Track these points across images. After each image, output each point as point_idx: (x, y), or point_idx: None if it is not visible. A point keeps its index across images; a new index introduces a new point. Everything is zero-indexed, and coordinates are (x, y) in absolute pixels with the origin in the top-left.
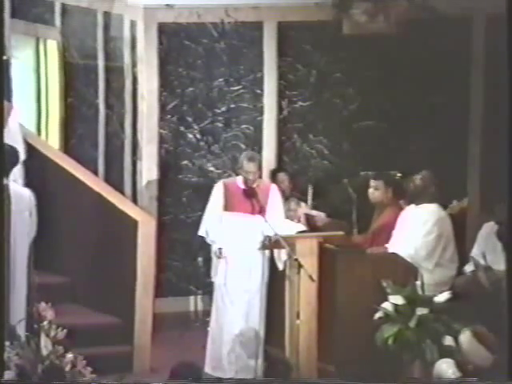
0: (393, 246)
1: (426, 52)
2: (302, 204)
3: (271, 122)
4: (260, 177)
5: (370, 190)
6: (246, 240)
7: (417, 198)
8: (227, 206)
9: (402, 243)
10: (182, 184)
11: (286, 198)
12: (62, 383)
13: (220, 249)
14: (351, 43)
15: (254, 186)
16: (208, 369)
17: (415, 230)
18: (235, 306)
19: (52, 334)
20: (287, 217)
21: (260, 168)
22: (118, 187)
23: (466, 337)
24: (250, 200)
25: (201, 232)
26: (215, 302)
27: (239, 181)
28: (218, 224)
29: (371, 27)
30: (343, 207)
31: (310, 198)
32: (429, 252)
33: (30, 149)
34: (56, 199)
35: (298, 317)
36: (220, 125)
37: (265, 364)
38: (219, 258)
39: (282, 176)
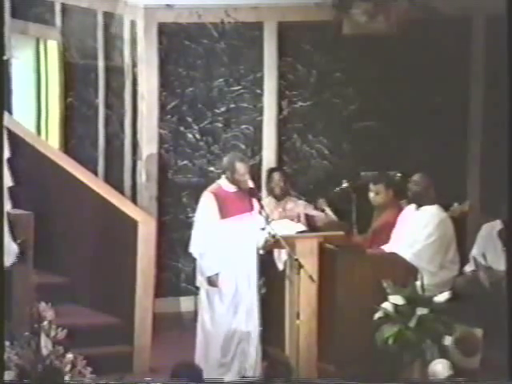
0: (393, 247)
1: (425, 52)
2: (300, 202)
3: (271, 122)
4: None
5: (371, 195)
6: (246, 240)
7: (417, 200)
8: (223, 214)
9: (404, 246)
10: (182, 184)
11: (281, 198)
12: (62, 383)
13: (217, 274)
14: (351, 43)
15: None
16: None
17: (416, 234)
18: (235, 307)
19: (52, 333)
20: (285, 216)
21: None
22: (118, 187)
23: (449, 339)
24: (247, 200)
25: (192, 250)
26: (210, 305)
27: (224, 184)
28: (215, 242)
29: (371, 27)
30: (343, 207)
31: (327, 210)
32: (431, 255)
33: (30, 149)
34: (56, 199)
35: (298, 317)
36: (220, 125)
37: (265, 364)
38: (214, 286)
39: (275, 175)
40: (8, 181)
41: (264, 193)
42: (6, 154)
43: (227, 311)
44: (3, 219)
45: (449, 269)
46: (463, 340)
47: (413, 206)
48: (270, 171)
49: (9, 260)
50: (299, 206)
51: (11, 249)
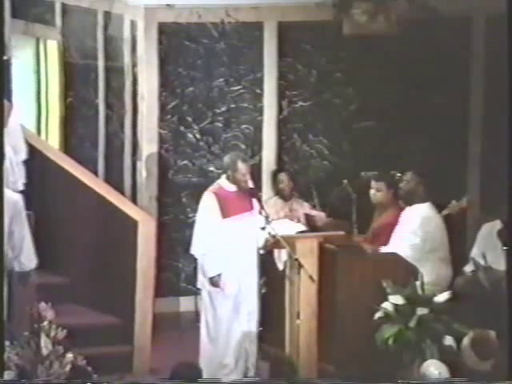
0: (389, 247)
1: (425, 52)
2: (305, 204)
3: (271, 122)
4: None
5: (372, 192)
6: (246, 240)
7: (407, 198)
8: (224, 214)
9: (398, 244)
10: (182, 184)
11: (288, 198)
12: (62, 383)
13: (219, 275)
14: (351, 43)
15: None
16: (207, 375)
17: (405, 231)
18: (237, 307)
19: (52, 334)
20: (291, 217)
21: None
22: (118, 187)
23: (465, 340)
24: (248, 200)
25: (194, 251)
26: (212, 306)
27: (225, 184)
28: (216, 242)
29: (371, 27)
30: (343, 207)
31: (315, 199)
32: (417, 252)
33: (30, 149)
34: (56, 199)
35: (298, 317)
36: (220, 125)
37: (268, 364)
38: (217, 286)
39: (282, 176)
40: (20, 184)
41: (265, 193)
42: (23, 156)
43: (230, 311)
44: (3, 220)
45: (441, 269)
46: (479, 343)
47: (408, 207)
48: (276, 172)
49: (30, 266)
50: (304, 207)
51: (33, 256)
